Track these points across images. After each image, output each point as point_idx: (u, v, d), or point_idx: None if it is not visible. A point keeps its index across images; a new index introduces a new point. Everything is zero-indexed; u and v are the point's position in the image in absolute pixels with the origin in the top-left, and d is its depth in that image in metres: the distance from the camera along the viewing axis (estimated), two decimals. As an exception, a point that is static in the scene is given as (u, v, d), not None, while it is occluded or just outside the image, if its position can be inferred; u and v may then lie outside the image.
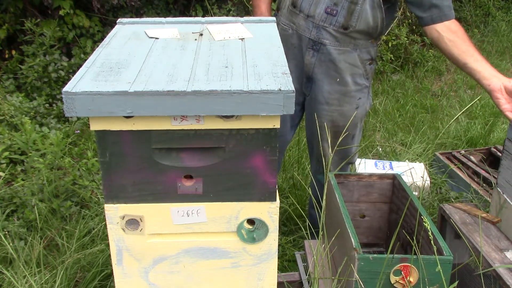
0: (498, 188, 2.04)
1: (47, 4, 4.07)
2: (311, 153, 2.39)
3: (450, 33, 2.00)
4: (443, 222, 2.17)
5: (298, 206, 2.33)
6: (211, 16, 4.64)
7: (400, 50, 5.49)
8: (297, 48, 2.11)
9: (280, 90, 1.22)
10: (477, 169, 3.08)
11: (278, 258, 1.61)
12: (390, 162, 3.21)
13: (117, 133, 1.28)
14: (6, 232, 2.38)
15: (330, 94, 2.15)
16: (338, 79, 2.12)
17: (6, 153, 3.00)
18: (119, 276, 1.47)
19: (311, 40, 2.08)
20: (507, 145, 1.98)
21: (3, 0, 4.10)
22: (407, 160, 3.38)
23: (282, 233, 2.70)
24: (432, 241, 1.62)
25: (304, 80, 2.17)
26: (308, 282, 2.08)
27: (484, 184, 2.92)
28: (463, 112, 4.29)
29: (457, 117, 4.15)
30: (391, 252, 1.59)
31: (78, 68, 1.44)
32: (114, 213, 1.38)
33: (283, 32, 2.10)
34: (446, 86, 5.30)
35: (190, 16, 4.63)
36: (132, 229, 1.40)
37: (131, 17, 4.43)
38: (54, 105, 3.90)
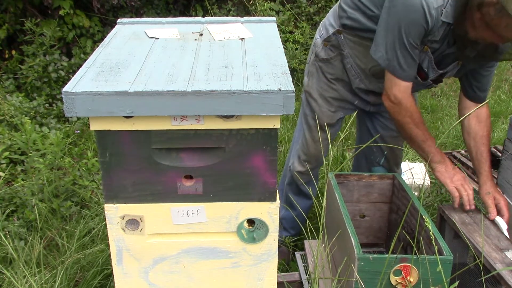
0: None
1: (47, 4, 4.07)
2: (364, 150, 2.43)
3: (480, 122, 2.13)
4: (442, 222, 2.17)
5: (298, 206, 2.33)
6: (211, 16, 4.65)
7: (400, 50, 5.48)
8: (356, 94, 2.24)
9: (280, 90, 1.22)
10: (477, 169, 3.08)
11: (279, 256, 1.60)
12: (390, 162, 3.21)
13: (117, 133, 1.28)
14: (6, 232, 2.38)
15: None
16: None
17: (6, 153, 3.00)
18: (119, 276, 1.47)
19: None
20: (507, 145, 1.98)
21: (3, 0, 4.10)
22: (407, 160, 3.37)
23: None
24: (432, 241, 1.62)
25: (369, 104, 2.29)
26: (308, 282, 2.08)
27: (484, 184, 2.91)
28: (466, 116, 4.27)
29: (460, 121, 4.14)
30: (391, 252, 1.59)
31: (78, 68, 1.44)
32: (114, 213, 1.38)
33: (350, 71, 2.19)
34: (446, 86, 5.30)
35: (190, 16, 4.63)
36: (132, 229, 1.40)
37: (131, 17, 4.43)
38: (54, 105, 3.90)
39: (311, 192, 2.22)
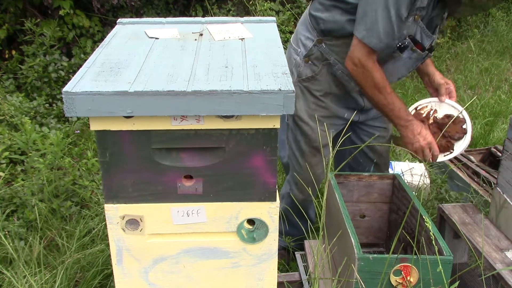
0: (498, 188, 2.04)
1: (47, 4, 4.07)
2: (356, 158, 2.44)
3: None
4: (442, 222, 2.17)
5: (299, 205, 2.33)
6: (211, 16, 4.65)
7: (400, 50, 5.48)
8: (352, 97, 2.18)
9: (280, 90, 1.22)
10: (477, 169, 3.08)
11: (278, 258, 1.60)
12: (390, 162, 3.21)
13: (117, 133, 1.28)
14: (6, 232, 2.38)
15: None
16: None
17: (6, 153, 3.00)
18: (119, 276, 1.47)
19: None
20: (507, 145, 1.98)
21: (3, 0, 4.11)
22: (407, 160, 3.37)
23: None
24: (432, 241, 1.62)
25: (359, 112, 2.25)
26: (308, 282, 2.08)
27: (484, 184, 2.92)
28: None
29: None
30: (392, 252, 1.59)
31: (78, 68, 1.44)
32: (114, 213, 1.38)
33: (342, 77, 2.13)
34: (446, 86, 5.29)
35: (190, 16, 4.63)
36: (132, 229, 1.40)
37: (131, 17, 4.43)
38: (54, 105, 3.91)
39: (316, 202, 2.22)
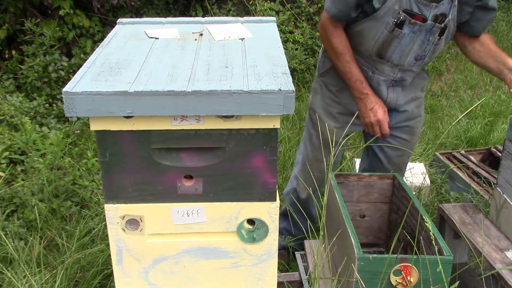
0: (498, 188, 2.04)
1: (47, 4, 4.07)
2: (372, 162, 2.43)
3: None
4: (442, 222, 2.17)
5: (299, 205, 2.33)
6: (211, 16, 4.65)
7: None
8: (375, 90, 2.13)
9: (280, 90, 1.22)
10: (477, 169, 3.08)
11: (278, 258, 1.61)
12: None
13: (117, 133, 1.28)
14: (6, 232, 2.38)
15: (412, 110, 2.24)
16: (414, 97, 2.23)
17: (6, 153, 3.00)
18: (119, 276, 1.47)
19: (393, 80, 2.13)
20: (507, 145, 1.98)
21: (3, 0, 4.11)
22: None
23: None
24: (433, 241, 1.62)
25: None
26: (308, 282, 2.08)
27: (484, 184, 2.92)
28: (466, 114, 4.28)
29: (459, 119, 4.14)
30: (391, 252, 1.59)
31: (78, 68, 1.44)
32: (114, 213, 1.38)
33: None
34: (446, 86, 5.30)
35: (190, 16, 4.63)
36: (132, 229, 1.40)
37: (131, 17, 4.43)
38: (54, 105, 3.90)
39: (317, 206, 2.21)
